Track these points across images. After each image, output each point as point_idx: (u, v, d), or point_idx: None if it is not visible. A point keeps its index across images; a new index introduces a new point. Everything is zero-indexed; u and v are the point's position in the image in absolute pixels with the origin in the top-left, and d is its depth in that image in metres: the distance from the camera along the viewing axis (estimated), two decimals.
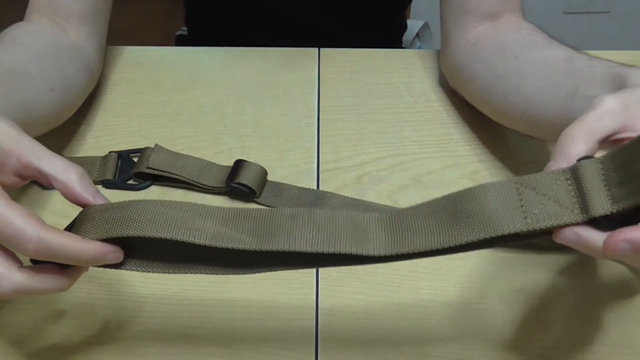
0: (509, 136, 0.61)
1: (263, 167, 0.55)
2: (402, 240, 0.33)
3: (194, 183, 0.55)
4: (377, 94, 0.65)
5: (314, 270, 0.49)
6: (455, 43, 0.61)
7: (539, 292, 0.48)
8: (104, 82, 0.66)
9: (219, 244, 0.33)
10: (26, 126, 0.47)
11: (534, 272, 0.49)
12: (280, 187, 0.55)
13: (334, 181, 0.56)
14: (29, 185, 0.53)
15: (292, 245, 0.33)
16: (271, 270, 0.36)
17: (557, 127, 0.48)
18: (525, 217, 0.31)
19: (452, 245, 0.32)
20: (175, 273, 0.37)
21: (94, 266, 0.35)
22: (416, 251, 0.33)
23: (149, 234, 0.33)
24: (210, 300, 0.47)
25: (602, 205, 0.31)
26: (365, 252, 0.33)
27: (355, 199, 0.54)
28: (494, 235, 0.31)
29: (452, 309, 0.47)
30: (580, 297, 0.48)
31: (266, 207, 0.35)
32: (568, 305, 0.47)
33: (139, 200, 0.35)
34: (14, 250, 0.34)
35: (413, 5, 0.93)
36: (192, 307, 0.47)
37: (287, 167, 0.58)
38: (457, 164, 0.58)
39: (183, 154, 0.57)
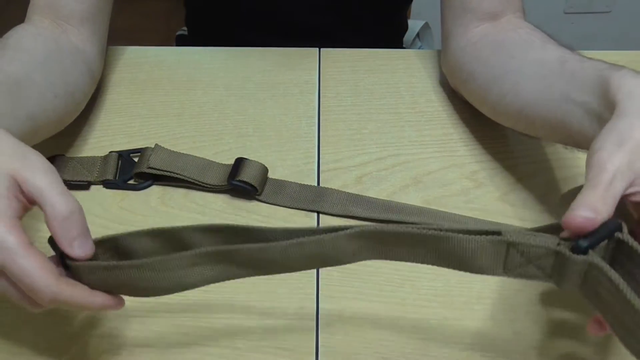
0: (509, 136, 0.61)
1: (264, 165, 0.55)
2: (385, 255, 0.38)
3: (195, 182, 0.55)
4: (378, 94, 0.65)
5: (314, 270, 0.49)
6: (455, 43, 0.61)
7: (540, 291, 0.48)
8: (104, 83, 0.66)
9: (220, 280, 0.38)
10: (32, 135, 0.47)
11: None
12: (281, 184, 0.55)
13: (335, 181, 0.56)
14: None
15: (287, 271, 0.38)
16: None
17: (553, 127, 0.49)
18: (505, 272, 0.36)
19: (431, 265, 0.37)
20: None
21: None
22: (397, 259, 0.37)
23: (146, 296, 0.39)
24: (210, 300, 0.47)
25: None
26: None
27: (355, 194, 0.54)
28: (472, 273, 0.37)
29: (453, 309, 0.47)
30: None
31: (257, 245, 0.37)
32: (571, 304, 0.47)
33: (126, 264, 0.37)
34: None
35: (413, 5, 0.93)
36: (192, 307, 0.47)
37: (288, 167, 0.58)
38: (458, 164, 0.58)
39: (183, 154, 0.57)
